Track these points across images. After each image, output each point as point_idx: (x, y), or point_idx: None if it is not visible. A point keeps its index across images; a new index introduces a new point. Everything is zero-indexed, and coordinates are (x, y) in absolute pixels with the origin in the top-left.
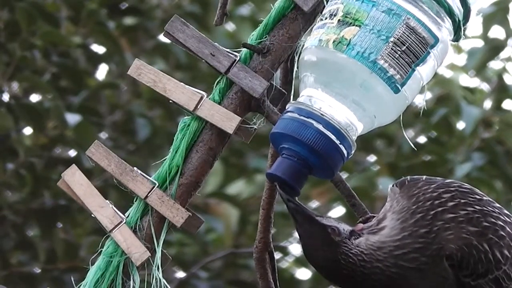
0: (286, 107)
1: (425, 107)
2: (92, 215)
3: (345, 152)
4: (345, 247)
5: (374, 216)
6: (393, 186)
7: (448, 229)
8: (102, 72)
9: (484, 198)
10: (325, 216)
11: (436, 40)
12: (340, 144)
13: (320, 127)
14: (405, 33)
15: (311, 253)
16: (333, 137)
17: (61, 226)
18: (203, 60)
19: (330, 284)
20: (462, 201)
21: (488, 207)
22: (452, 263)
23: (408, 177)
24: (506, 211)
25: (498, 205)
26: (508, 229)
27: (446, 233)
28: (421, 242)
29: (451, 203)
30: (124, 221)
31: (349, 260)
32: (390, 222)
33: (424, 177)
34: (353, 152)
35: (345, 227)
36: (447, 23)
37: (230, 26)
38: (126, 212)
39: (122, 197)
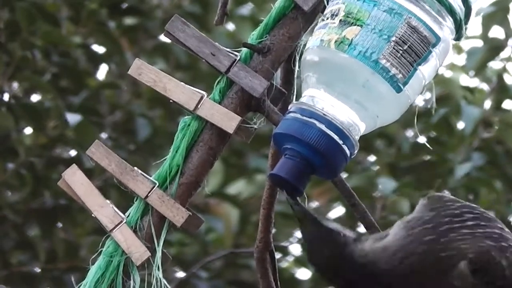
0: (289, 108)
1: (429, 106)
2: (93, 214)
3: (348, 152)
4: (350, 247)
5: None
6: (422, 199)
7: (463, 240)
8: (102, 72)
9: (506, 229)
10: (329, 222)
11: (438, 39)
12: (343, 144)
13: (323, 127)
14: (406, 32)
15: (316, 251)
16: (335, 137)
17: (61, 226)
18: (204, 60)
19: (330, 285)
20: (482, 223)
21: (509, 236)
22: (475, 268)
23: (436, 194)
24: None
25: None
26: None
27: (459, 243)
28: (424, 249)
29: (470, 222)
30: (125, 220)
31: (354, 260)
32: (394, 230)
33: (452, 197)
34: (356, 152)
35: (349, 233)
36: (449, 22)
37: (230, 26)
38: (126, 212)
39: (122, 196)
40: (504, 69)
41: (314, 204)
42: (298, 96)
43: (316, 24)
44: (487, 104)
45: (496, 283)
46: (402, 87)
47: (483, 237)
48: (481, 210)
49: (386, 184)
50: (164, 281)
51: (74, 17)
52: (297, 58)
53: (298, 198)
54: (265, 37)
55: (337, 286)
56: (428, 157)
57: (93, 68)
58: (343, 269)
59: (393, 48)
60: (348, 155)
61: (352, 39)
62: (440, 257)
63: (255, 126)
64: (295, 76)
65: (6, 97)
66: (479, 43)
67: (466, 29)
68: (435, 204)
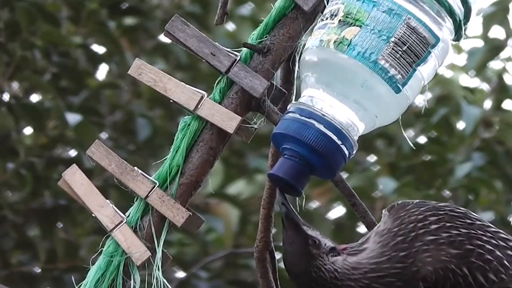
0: (288, 108)
1: (427, 106)
2: (93, 215)
3: (346, 152)
4: (320, 261)
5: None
6: (385, 210)
7: (427, 251)
8: (102, 72)
9: (477, 222)
10: (312, 228)
11: (437, 39)
12: (341, 144)
13: (322, 127)
14: (406, 33)
15: (288, 259)
16: (334, 137)
17: (61, 226)
18: (204, 60)
19: None
20: (448, 224)
21: (478, 231)
22: (427, 285)
23: (400, 201)
24: (503, 235)
25: (494, 229)
26: (498, 253)
27: (423, 255)
28: (398, 267)
29: (434, 226)
30: (125, 220)
31: (320, 274)
32: (372, 245)
33: (416, 200)
34: (354, 152)
35: (328, 243)
36: (448, 23)
37: (230, 26)
38: (126, 212)
39: (122, 196)
40: (504, 69)
41: (314, 204)
42: (298, 96)
43: (316, 24)
44: (487, 104)
45: None
46: (401, 87)
47: (447, 243)
48: (448, 207)
49: (386, 184)
50: (164, 281)
51: (74, 17)
52: (297, 58)
53: (289, 200)
54: (265, 37)
55: None
56: (428, 157)
57: (93, 68)
58: (310, 280)
59: (392, 48)
60: (347, 155)
61: (351, 40)
62: (411, 272)
63: (255, 126)
64: (295, 76)
65: (6, 97)
66: (479, 43)
67: (465, 29)
68: (398, 213)
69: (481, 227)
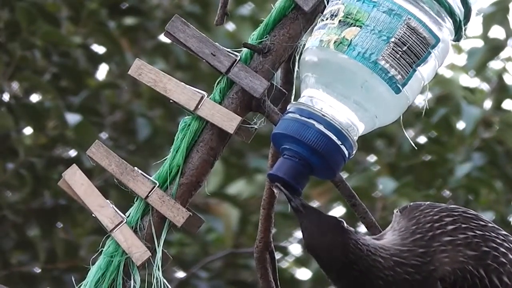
0: (287, 108)
1: (427, 107)
2: (93, 215)
3: (346, 152)
4: (354, 235)
5: None
6: (397, 211)
7: (445, 251)
8: (102, 72)
9: (489, 224)
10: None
11: (437, 40)
12: (341, 144)
13: (321, 127)
14: (406, 34)
15: (317, 237)
16: (334, 137)
17: (61, 226)
18: (204, 60)
19: (330, 285)
20: (463, 225)
21: (492, 233)
22: (445, 286)
23: (412, 203)
24: None
25: (504, 232)
26: (511, 256)
27: (442, 255)
28: (418, 260)
29: (451, 226)
30: (125, 221)
31: (358, 247)
32: (391, 237)
33: (428, 202)
34: (354, 152)
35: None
36: (448, 23)
37: (230, 26)
38: (126, 212)
39: (122, 196)
40: (504, 69)
41: (314, 204)
42: (297, 96)
43: (316, 24)
44: (487, 104)
45: None
46: (401, 88)
47: (464, 245)
48: (460, 209)
49: (386, 184)
50: (164, 281)
51: (74, 17)
52: (297, 58)
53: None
54: (266, 38)
55: (333, 271)
56: (428, 157)
57: (93, 68)
58: (347, 252)
59: (392, 49)
60: (347, 155)
61: (351, 40)
62: (429, 270)
63: (256, 126)
64: (295, 76)
65: (6, 97)
66: (479, 43)
67: (465, 30)
68: (413, 213)
69: (493, 229)
